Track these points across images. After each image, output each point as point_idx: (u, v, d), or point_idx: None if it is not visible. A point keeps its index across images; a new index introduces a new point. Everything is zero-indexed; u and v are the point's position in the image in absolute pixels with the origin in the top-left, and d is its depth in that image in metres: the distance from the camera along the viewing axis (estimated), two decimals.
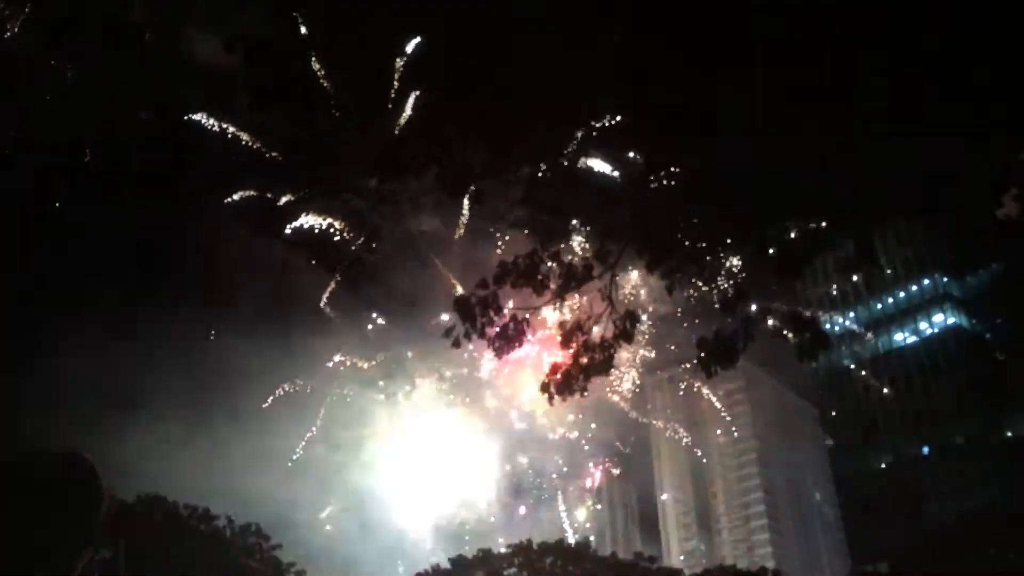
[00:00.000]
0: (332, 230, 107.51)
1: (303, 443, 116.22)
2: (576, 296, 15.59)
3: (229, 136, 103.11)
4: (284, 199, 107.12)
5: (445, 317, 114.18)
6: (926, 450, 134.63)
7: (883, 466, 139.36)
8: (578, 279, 15.28)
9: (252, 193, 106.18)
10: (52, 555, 2.99)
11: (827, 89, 13.52)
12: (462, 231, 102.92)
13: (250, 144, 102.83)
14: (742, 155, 14.30)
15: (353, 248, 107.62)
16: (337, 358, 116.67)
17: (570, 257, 15.93)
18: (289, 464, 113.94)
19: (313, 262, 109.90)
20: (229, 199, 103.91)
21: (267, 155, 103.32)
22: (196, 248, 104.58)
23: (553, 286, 15.25)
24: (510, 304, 15.07)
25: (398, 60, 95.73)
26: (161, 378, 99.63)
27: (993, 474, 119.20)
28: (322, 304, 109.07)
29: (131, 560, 48.37)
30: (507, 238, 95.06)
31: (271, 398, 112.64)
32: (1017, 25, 12.15)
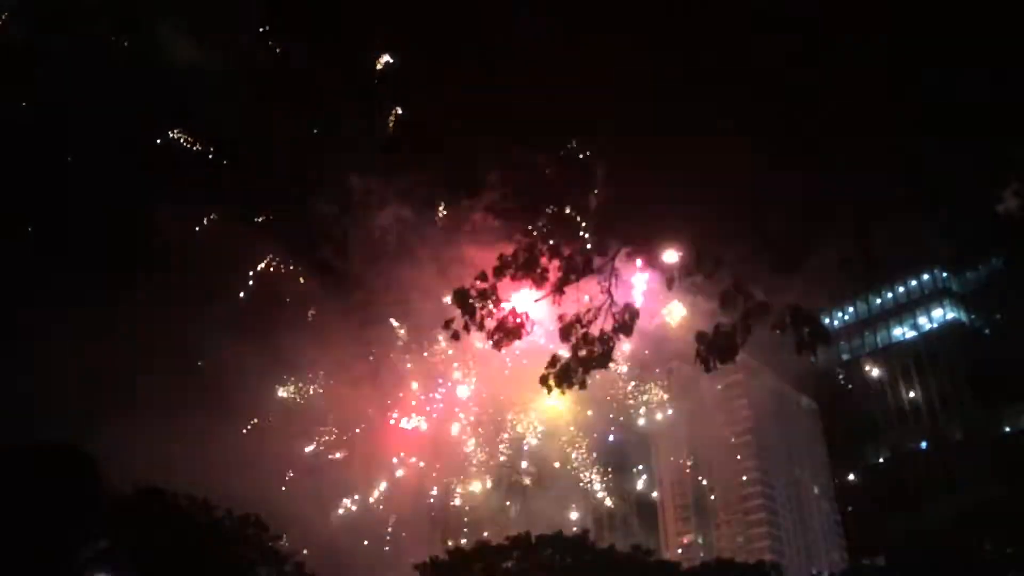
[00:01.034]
0: (304, 236, 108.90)
1: (314, 445, 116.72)
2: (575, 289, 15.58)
3: (207, 137, 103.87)
4: (258, 207, 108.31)
5: (395, 324, 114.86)
6: (924, 445, 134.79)
7: (881, 461, 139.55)
8: (578, 272, 15.26)
9: (230, 200, 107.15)
10: (52, 546, 2.97)
11: (826, 87, 13.50)
12: (441, 223, 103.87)
13: (223, 152, 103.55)
14: (742, 150, 14.29)
15: (327, 257, 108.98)
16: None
17: (569, 250, 15.91)
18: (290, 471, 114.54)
19: (292, 262, 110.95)
20: (207, 198, 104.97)
21: (237, 159, 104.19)
22: (178, 248, 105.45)
23: (552, 279, 15.23)
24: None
25: (383, 60, 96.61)
26: (152, 373, 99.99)
27: (991, 469, 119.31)
28: (309, 315, 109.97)
29: (130, 551, 48.43)
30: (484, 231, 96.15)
31: (269, 400, 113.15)
32: (1015, 22, 12.15)
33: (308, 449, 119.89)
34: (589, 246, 15.77)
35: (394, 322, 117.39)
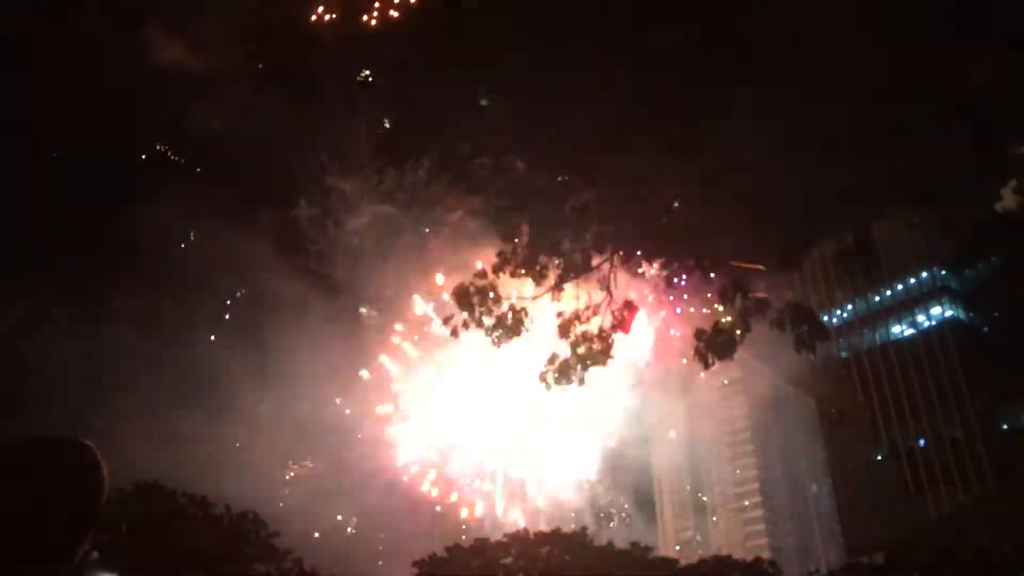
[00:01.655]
0: (292, 240, 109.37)
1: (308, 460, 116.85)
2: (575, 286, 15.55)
3: (196, 141, 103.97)
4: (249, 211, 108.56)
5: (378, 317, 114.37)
6: (923, 442, 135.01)
7: (879, 458, 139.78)
8: (577, 269, 15.24)
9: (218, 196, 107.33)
10: (55, 542, 2.99)
11: (827, 86, 13.49)
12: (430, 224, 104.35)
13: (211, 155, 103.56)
14: (743, 151, 14.27)
15: (315, 261, 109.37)
16: None
17: (567, 246, 15.88)
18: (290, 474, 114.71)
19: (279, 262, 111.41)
20: (196, 198, 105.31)
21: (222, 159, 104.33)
22: (170, 248, 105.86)
23: (552, 276, 15.20)
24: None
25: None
26: (146, 373, 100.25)
27: (988, 466, 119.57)
28: (299, 318, 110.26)
29: (129, 547, 48.45)
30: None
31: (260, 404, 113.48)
32: (1014, 17, 12.14)
33: (307, 450, 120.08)
34: (570, 249, 15.73)
35: (369, 312, 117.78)
